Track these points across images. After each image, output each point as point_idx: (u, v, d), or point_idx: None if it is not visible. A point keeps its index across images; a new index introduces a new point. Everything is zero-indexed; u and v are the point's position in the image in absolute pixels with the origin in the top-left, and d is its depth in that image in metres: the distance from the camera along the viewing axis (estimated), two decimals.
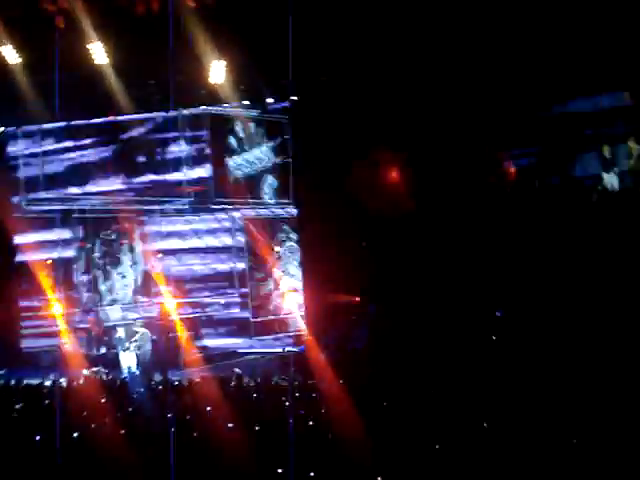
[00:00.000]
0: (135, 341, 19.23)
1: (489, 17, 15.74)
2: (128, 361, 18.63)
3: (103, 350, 20.29)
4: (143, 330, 19.90)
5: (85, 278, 20.40)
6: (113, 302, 20.47)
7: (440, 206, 18.10)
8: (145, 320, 19.91)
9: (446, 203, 18.00)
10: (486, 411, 11.62)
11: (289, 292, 20.11)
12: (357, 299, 19.74)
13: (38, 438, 11.64)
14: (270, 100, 19.78)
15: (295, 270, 20.42)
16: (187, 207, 19.92)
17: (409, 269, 18.21)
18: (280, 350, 19.06)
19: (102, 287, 20.48)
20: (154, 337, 19.84)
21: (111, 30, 17.99)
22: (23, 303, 20.14)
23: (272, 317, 20.10)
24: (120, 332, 19.36)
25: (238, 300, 20.15)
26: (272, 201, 20.22)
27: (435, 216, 18.16)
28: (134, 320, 19.89)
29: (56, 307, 18.01)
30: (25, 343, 20.20)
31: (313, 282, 19.83)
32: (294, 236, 20.42)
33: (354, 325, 19.63)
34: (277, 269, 20.24)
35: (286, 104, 19.53)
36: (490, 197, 18.01)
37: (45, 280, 19.56)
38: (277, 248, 20.36)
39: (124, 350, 18.88)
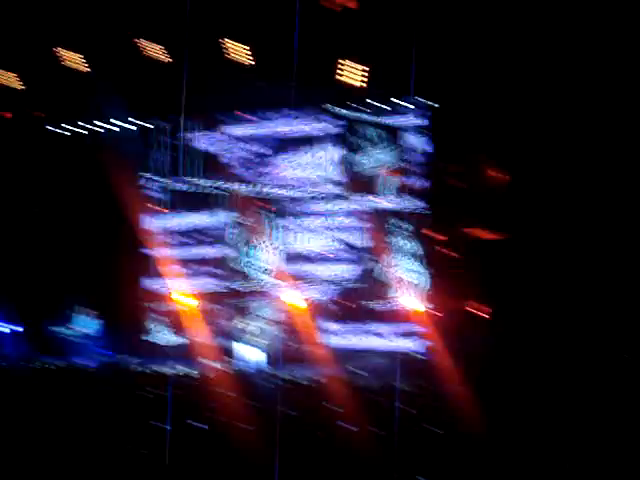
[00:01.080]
0: (259, 335, 19.51)
1: None
2: (250, 355, 18.89)
3: (226, 342, 20.69)
4: (267, 326, 20.20)
5: (225, 254, 20.85)
6: (251, 280, 20.86)
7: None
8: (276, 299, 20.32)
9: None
10: (611, 430, 11.28)
11: (402, 283, 20.40)
12: (485, 307, 19.51)
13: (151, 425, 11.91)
14: (400, 104, 20.21)
15: (409, 263, 20.70)
16: (320, 196, 20.58)
17: (532, 277, 17.86)
18: (402, 349, 19.14)
19: (240, 265, 20.85)
20: (277, 333, 20.14)
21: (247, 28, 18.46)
22: (152, 288, 20.79)
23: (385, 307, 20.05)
24: (245, 325, 19.67)
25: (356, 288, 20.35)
26: (389, 198, 20.43)
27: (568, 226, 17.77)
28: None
29: (183, 296, 18.30)
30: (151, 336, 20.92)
31: (438, 286, 19.72)
32: (409, 230, 20.77)
33: (475, 331, 19.41)
34: (391, 260, 20.65)
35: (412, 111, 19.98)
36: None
37: (175, 265, 20.17)
38: (393, 240, 20.78)
39: (247, 344, 19.16)
